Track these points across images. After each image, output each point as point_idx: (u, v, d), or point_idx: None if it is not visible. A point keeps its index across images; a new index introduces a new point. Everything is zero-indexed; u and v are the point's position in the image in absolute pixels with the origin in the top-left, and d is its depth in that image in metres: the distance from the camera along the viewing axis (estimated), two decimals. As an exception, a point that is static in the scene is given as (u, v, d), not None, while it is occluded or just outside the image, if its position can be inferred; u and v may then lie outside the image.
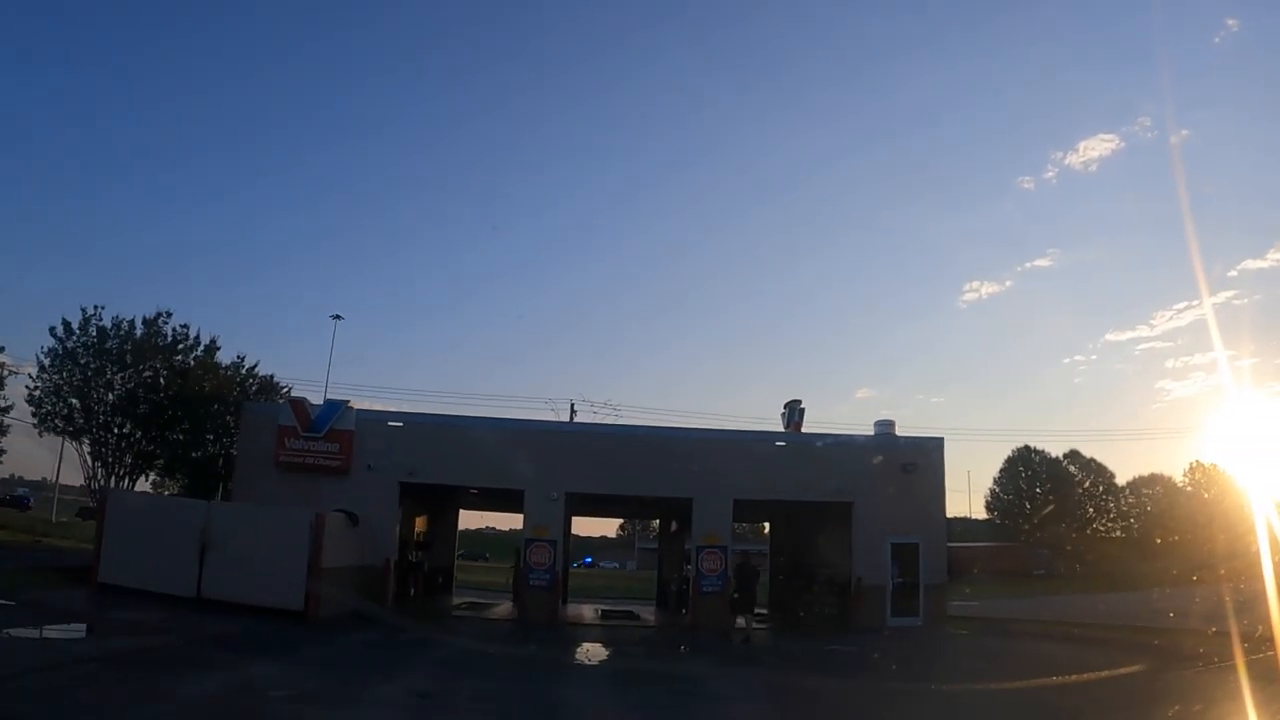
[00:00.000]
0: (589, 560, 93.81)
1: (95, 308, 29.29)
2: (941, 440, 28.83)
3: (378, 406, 27.76)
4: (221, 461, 30.50)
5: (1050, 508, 72.75)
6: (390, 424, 27.29)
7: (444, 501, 35.23)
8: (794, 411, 31.34)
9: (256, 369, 33.39)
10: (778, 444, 28.90)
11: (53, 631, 15.92)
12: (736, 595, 23.64)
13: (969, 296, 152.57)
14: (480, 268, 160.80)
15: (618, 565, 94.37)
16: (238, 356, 32.77)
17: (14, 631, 15.09)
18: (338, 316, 30.76)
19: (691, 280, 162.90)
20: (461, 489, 30.44)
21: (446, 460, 26.78)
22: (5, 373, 31.27)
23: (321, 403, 27.04)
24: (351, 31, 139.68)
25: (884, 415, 39.02)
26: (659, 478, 27.09)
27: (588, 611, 31.66)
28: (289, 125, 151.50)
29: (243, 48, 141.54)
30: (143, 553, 21.71)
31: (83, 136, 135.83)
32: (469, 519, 75.74)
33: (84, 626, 17.00)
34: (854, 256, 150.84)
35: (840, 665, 19.52)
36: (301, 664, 15.00)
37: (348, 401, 27.04)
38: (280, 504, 23.91)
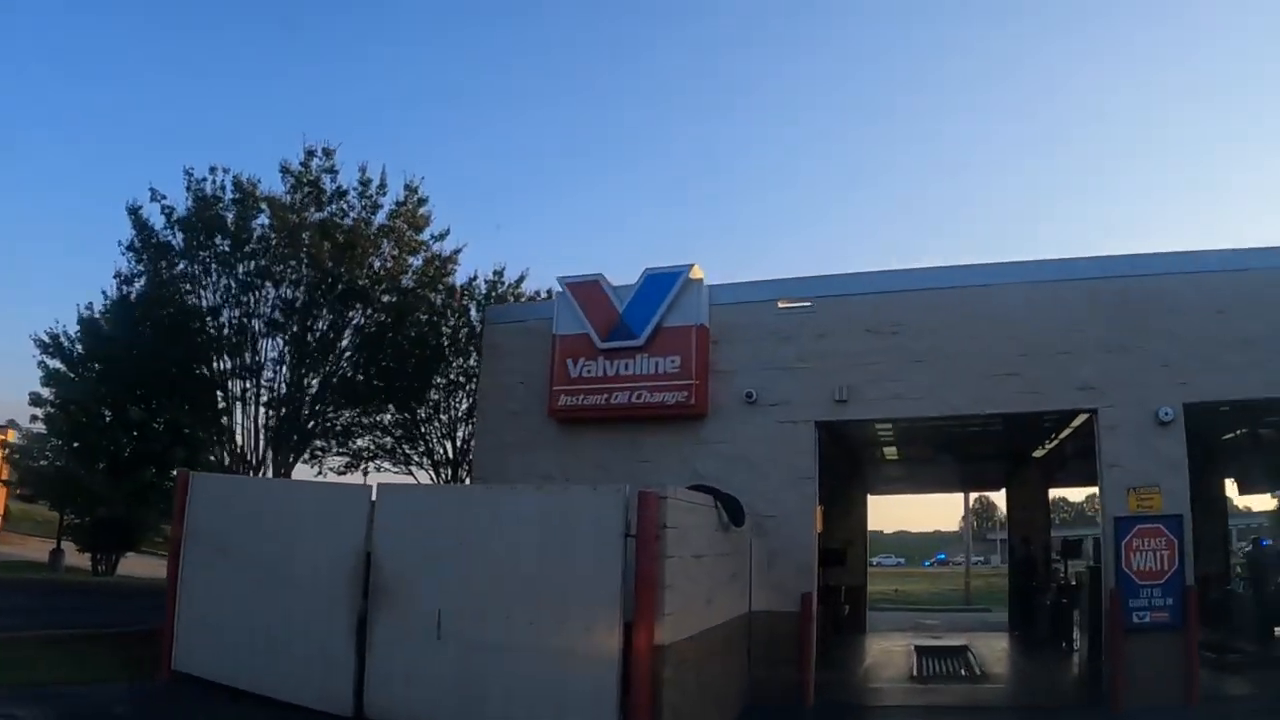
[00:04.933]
0: (942, 556, 75.39)
1: (214, 169, 16.97)
2: None
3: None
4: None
5: None
6: (784, 306, 12.68)
7: (849, 476, 20.45)
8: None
9: (524, 284, 19.94)
10: None
11: None
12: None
13: None
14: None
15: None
16: (494, 272, 19.76)
17: None
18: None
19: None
20: (925, 427, 15.04)
21: (908, 365, 11.91)
22: None
23: (636, 280, 13.09)
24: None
25: None
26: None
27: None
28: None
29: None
30: (247, 611, 9.87)
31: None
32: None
33: None
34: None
35: None
36: None
37: (690, 267, 12.87)
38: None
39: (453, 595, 8.42)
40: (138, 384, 18.99)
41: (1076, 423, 13.80)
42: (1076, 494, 73.68)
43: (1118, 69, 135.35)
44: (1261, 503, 24.82)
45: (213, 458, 18.55)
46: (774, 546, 11.59)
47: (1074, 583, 17.22)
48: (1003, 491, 23.06)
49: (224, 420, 17.57)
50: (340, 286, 15.93)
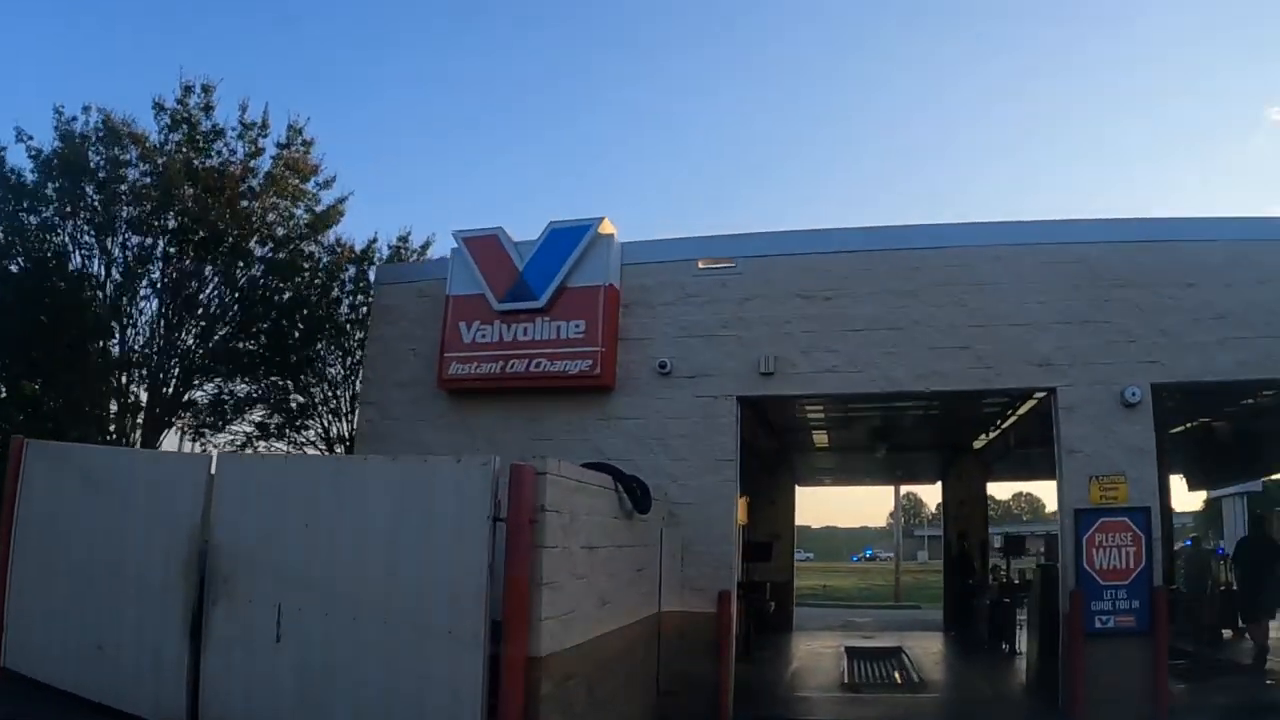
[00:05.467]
0: (869, 551, 75.15)
1: (87, 108, 14.83)
2: None
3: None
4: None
5: None
6: (704, 266, 11.21)
7: (776, 464, 19.36)
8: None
9: (429, 250, 17.96)
10: None
11: None
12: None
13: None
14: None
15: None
16: (398, 238, 17.94)
17: None
18: None
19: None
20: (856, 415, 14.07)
21: (844, 335, 10.54)
22: None
23: (539, 235, 11.53)
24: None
25: None
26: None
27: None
28: None
29: None
30: (79, 603, 8.12)
31: None
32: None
33: None
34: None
35: None
36: None
37: (600, 220, 11.33)
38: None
39: (295, 588, 6.78)
40: (20, 351, 16.93)
41: (1024, 408, 12.67)
42: (1004, 491, 74.37)
43: (1099, 21, 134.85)
44: (1186, 502, 24.34)
45: (111, 434, 16.46)
46: (689, 537, 10.17)
47: (1017, 581, 16.20)
48: (938, 485, 22.06)
49: (101, 388, 15.55)
50: (202, 233, 14.01)
